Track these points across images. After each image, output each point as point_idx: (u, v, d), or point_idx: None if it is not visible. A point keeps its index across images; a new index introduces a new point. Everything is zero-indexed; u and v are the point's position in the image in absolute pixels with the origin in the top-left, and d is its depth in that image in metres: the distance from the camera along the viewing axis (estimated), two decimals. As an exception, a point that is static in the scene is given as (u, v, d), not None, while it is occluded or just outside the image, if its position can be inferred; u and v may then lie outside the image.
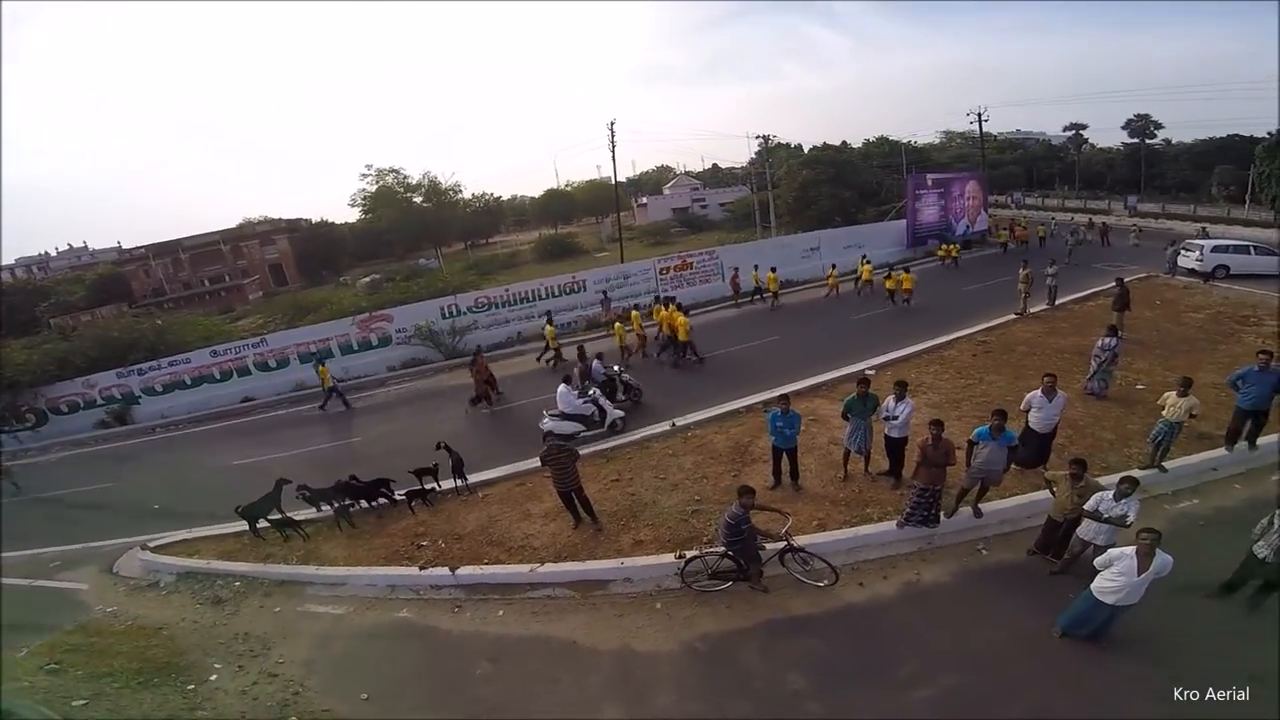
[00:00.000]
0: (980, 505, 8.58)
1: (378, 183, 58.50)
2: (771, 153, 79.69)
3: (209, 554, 10.69)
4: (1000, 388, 12.65)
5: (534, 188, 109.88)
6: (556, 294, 21.78)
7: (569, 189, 79.32)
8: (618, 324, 18.55)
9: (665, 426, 12.67)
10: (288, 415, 17.84)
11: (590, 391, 13.11)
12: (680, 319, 16.81)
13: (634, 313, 18.97)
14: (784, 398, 9.43)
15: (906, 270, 21.22)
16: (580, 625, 7.76)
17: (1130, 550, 5.80)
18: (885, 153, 56.83)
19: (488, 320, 21.08)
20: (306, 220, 66.73)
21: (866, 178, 44.57)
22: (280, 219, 64.93)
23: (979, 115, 43.33)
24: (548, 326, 18.32)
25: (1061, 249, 26.14)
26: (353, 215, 64.50)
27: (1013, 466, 9.24)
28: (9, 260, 70.39)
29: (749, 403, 13.24)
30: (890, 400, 8.97)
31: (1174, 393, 8.72)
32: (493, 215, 70.18)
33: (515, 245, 59.59)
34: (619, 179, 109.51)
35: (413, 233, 57.45)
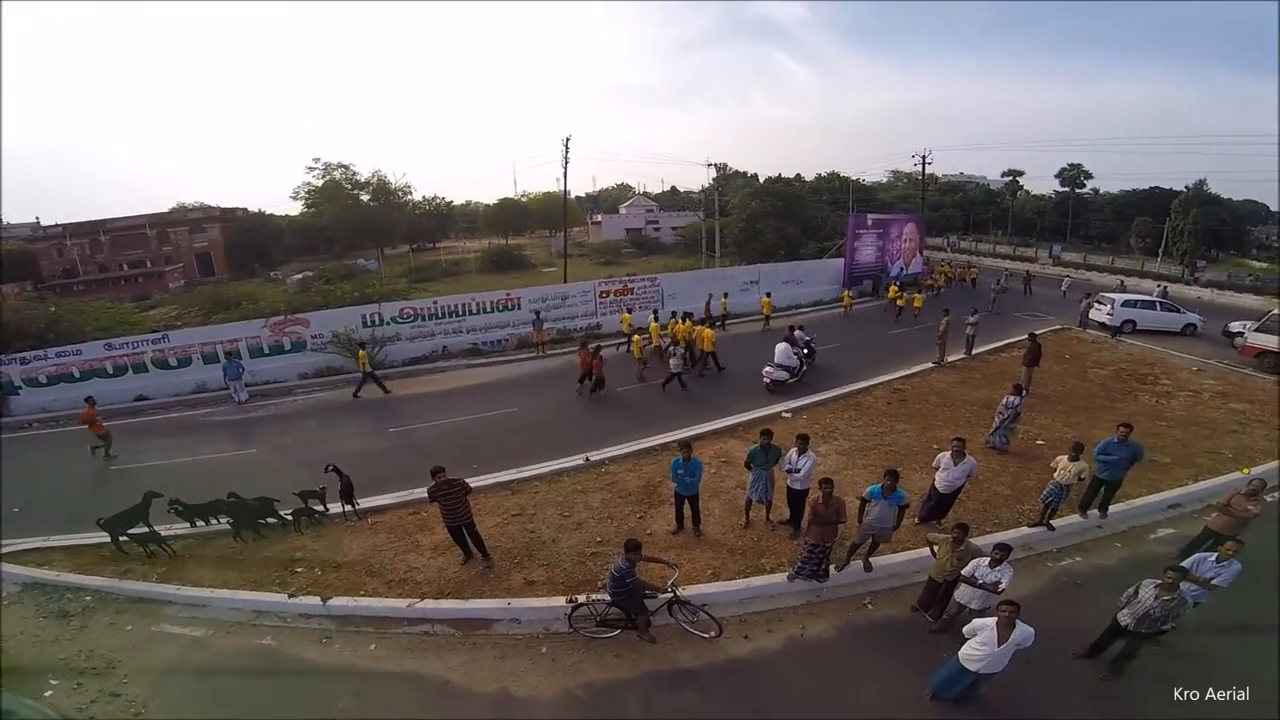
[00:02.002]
0: (871, 560, 8.62)
1: (325, 177, 56.70)
2: (728, 180, 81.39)
3: (62, 565, 9.95)
4: (909, 438, 12.87)
5: (492, 195, 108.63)
6: (488, 310, 21.16)
7: (524, 199, 78.56)
8: (636, 336, 18.61)
9: (578, 461, 12.36)
10: (182, 418, 16.62)
11: (797, 353, 16.70)
12: (707, 331, 17.98)
13: (653, 324, 19.77)
14: (685, 445, 9.32)
15: (919, 291, 25.85)
16: (458, 665, 7.47)
17: (992, 621, 5.83)
18: (834, 188, 58.56)
19: (412, 332, 20.27)
20: (243, 210, 63.91)
21: (813, 213, 45.69)
22: (216, 206, 62.10)
23: (923, 158, 45.10)
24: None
25: (986, 297, 27.15)
26: (294, 208, 62.28)
27: (913, 520, 9.43)
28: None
29: (668, 439, 13.08)
30: (793, 453, 8.95)
31: (1065, 456, 8.96)
32: (442, 219, 68.82)
33: (462, 252, 58.39)
34: (578, 194, 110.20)
35: (355, 231, 55.75)
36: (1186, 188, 55.08)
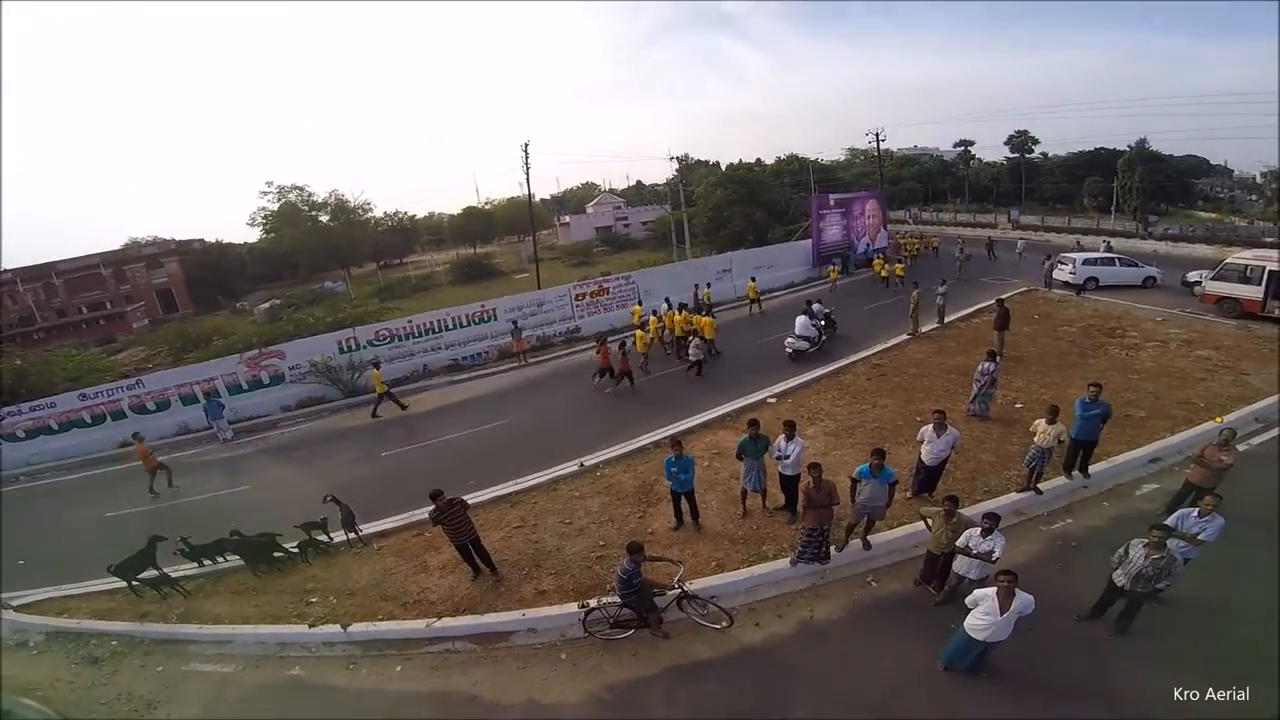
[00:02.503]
0: (869, 537, 8.85)
1: (280, 200, 55.67)
2: (691, 170, 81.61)
3: (80, 613, 10.06)
4: (892, 412, 13.16)
5: (455, 205, 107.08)
6: (464, 324, 20.99)
7: (488, 207, 77.94)
8: (639, 331, 18.76)
9: (573, 467, 12.45)
10: (170, 461, 16.23)
11: (816, 323, 18.13)
12: (706, 320, 18.56)
13: (652, 319, 20.06)
14: (676, 442, 9.46)
15: (899, 262, 28.05)
16: (483, 679, 7.59)
17: (992, 591, 6.05)
18: (795, 171, 59.10)
19: (390, 353, 20.01)
20: (200, 241, 62.44)
21: (776, 197, 46.07)
22: (171, 240, 60.54)
23: (877, 136, 45.76)
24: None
25: (952, 266, 27.71)
26: (253, 235, 61.09)
27: (905, 495, 9.67)
28: None
29: (658, 436, 13.22)
30: (781, 440, 9.12)
31: (1043, 420, 9.24)
32: (406, 234, 68.00)
33: (430, 266, 57.79)
34: (542, 197, 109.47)
35: (318, 254, 54.81)
36: (1129, 147, 56.68)
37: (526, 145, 31.42)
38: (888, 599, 8.13)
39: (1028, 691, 6.51)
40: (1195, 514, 6.84)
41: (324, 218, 57.47)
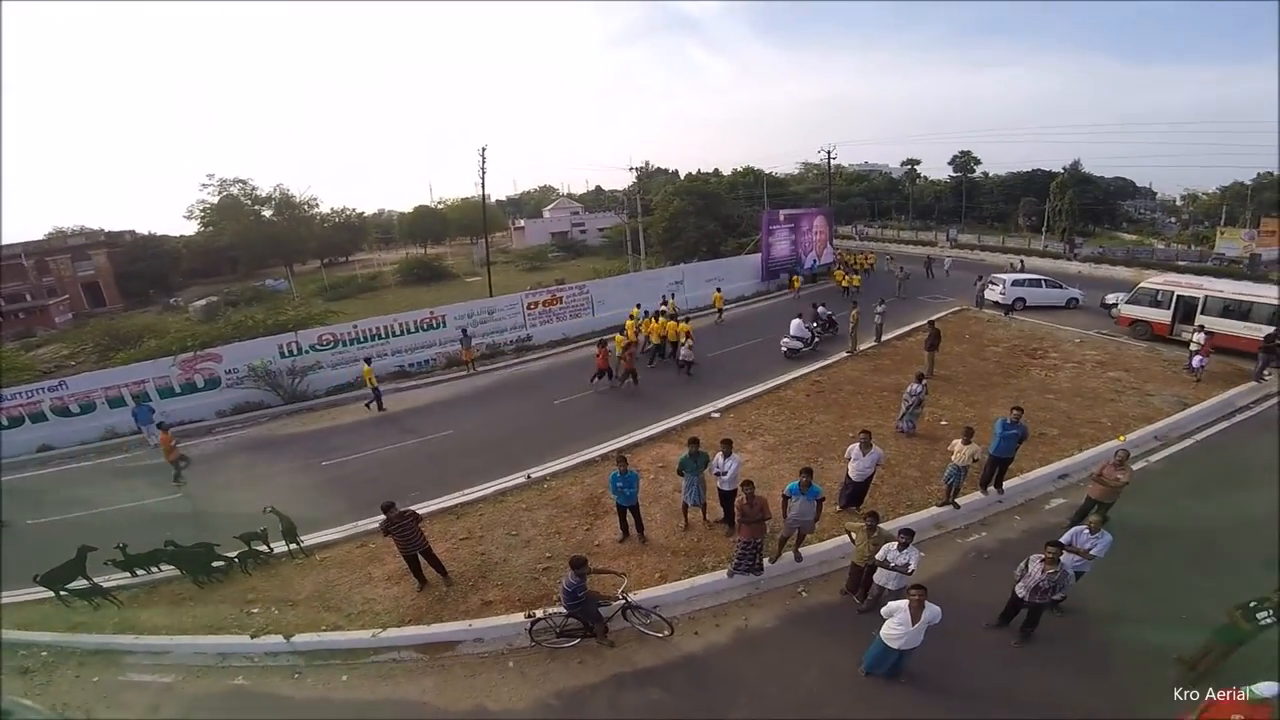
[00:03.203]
0: (800, 550, 9.30)
1: (220, 193, 53.59)
2: (651, 177, 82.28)
3: (5, 623, 9.75)
4: (827, 428, 13.73)
5: (407, 203, 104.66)
6: (412, 330, 20.70)
7: (441, 207, 76.68)
8: (617, 336, 19.08)
9: (521, 479, 12.54)
10: (97, 467, 15.65)
11: (812, 324, 20.03)
12: (684, 326, 19.70)
13: (629, 323, 20.44)
14: (621, 458, 9.77)
15: (857, 273, 29.98)
16: (431, 687, 7.76)
17: (905, 603, 6.52)
18: (750, 183, 60.39)
19: (333, 359, 19.62)
20: (131, 233, 59.43)
21: (730, 209, 46.94)
22: (100, 230, 57.47)
23: (829, 153, 47.21)
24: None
25: (892, 284, 28.89)
26: (190, 228, 58.53)
27: (835, 509, 10.17)
28: None
29: (606, 449, 13.45)
30: (719, 457, 9.55)
31: (959, 440, 9.86)
32: (354, 232, 66.15)
33: (378, 265, 56.42)
34: (498, 198, 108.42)
35: (260, 249, 53.00)
36: (1064, 169, 60.22)
37: (484, 149, 31.29)
38: (817, 608, 8.61)
39: (941, 695, 7.00)
40: (1086, 531, 7.45)
41: (267, 212, 55.63)
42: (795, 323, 19.97)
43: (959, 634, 7.59)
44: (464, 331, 20.64)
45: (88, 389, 17.56)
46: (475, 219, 61.88)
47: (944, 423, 13.60)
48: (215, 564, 10.23)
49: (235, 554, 10.31)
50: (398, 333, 20.49)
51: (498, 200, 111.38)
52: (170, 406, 17.90)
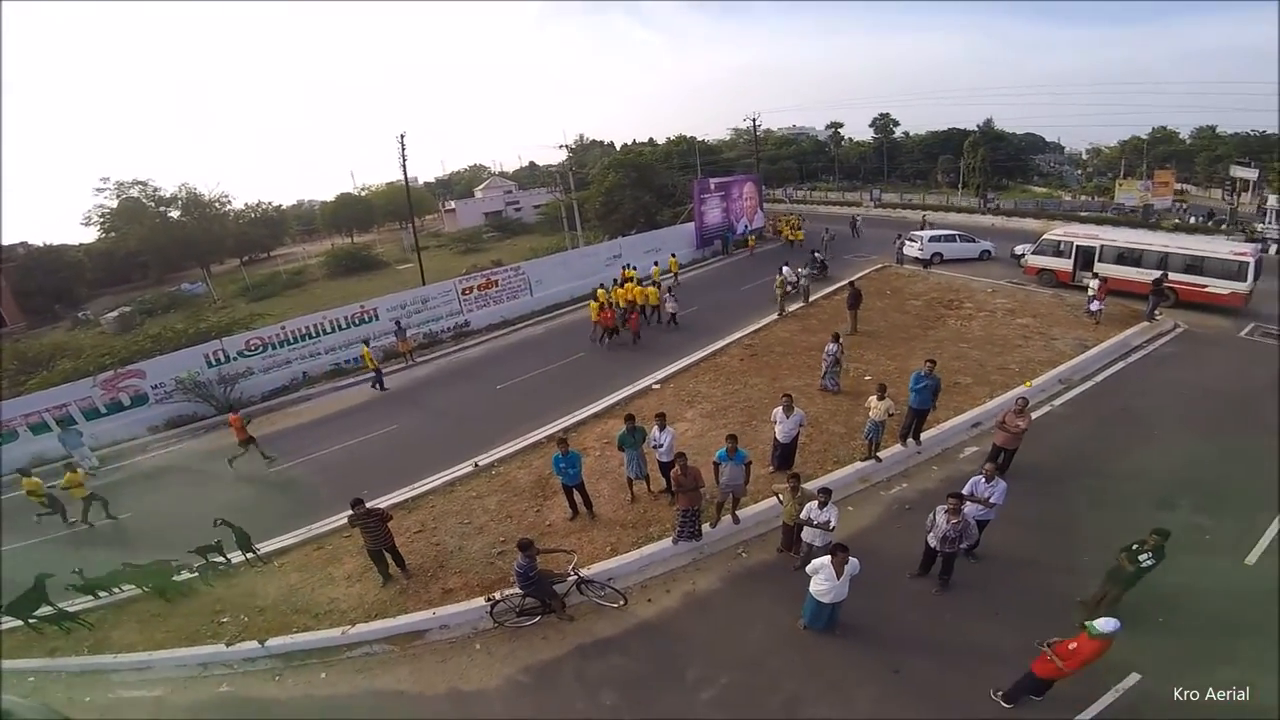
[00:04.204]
0: (737, 513, 9.84)
1: (119, 196, 49.97)
2: (587, 150, 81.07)
3: None
4: (760, 391, 14.31)
5: (329, 192, 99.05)
6: (344, 326, 20.10)
7: (365, 193, 73.64)
8: (592, 303, 19.99)
9: (469, 467, 12.66)
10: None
11: (798, 271, 21.79)
12: (651, 290, 21.03)
13: (600, 291, 20.49)
14: (561, 440, 10.09)
15: (799, 229, 33.13)
16: (406, 675, 8.13)
17: (827, 560, 7.12)
18: (684, 152, 60.44)
19: (264, 363, 18.99)
20: (24, 245, 54.90)
21: (665, 179, 46.84)
22: (-13, 244, 52.74)
23: (754, 121, 47.72)
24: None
25: (819, 245, 29.73)
26: (89, 235, 54.42)
27: (768, 470, 10.72)
28: None
29: (551, 430, 13.66)
30: (655, 430, 9.98)
31: (874, 397, 10.48)
32: (273, 226, 62.92)
33: (302, 259, 53.97)
34: (426, 180, 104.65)
35: (171, 252, 49.81)
36: (977, 127, 62.74)
37: (402, 136, 30.16)
38: (757, 567, 9.23)
39: (872, 645, 7.70)
40: (983, 480, 8.10)
41: (175, 213, 52.28)
42: (785, 269, 21.85)
43: (886, 585, 8.35)
44: (398, 324, 20.23)
45: (6, 419, 16.47)
46: (403, 204, 59.87)
47: (868, 378, 14.33)
48: (176, 579, 10.27)
49: (195, 567, 10.37)
50: (329, 330, 19.88)
51: (426, 183, 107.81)
52: (99, 428, 17.01)
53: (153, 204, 50.89)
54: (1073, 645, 6.00)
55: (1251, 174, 44.50)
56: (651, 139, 76.38)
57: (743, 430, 12.42)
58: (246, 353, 18.84)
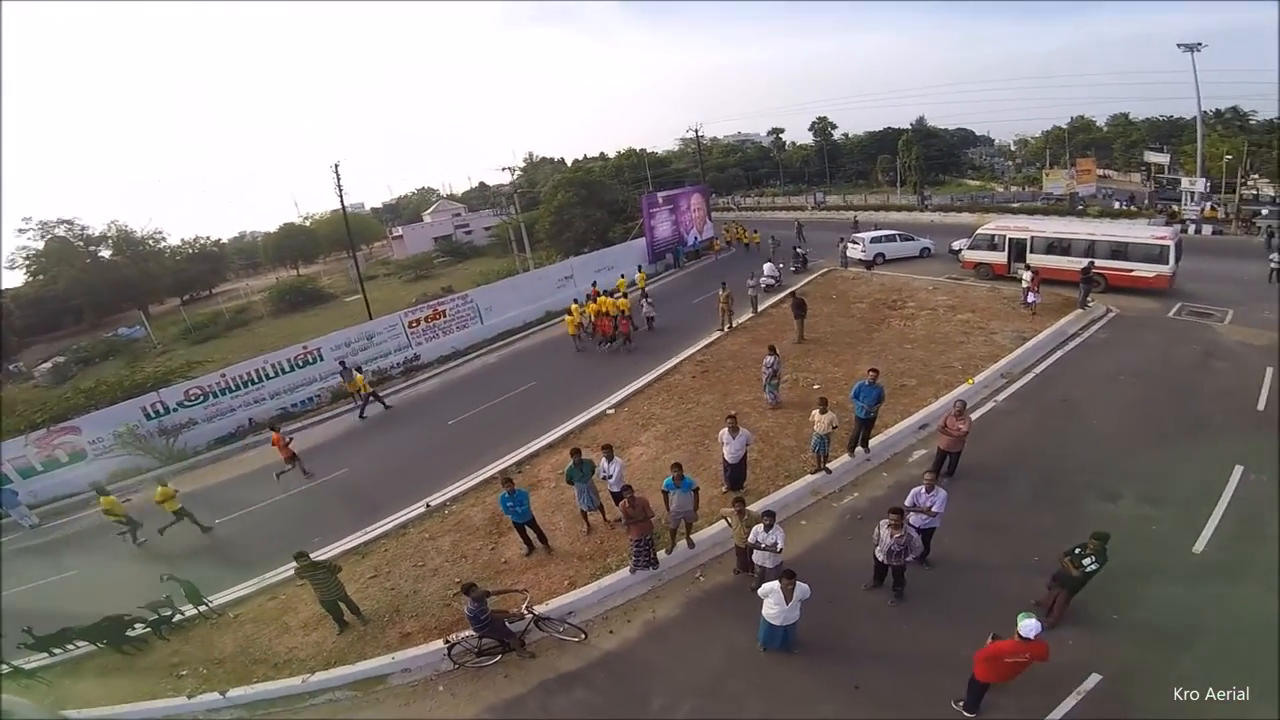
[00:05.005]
0: (691, 537, 9.84)
1: (44, 236, 47.78)
2: (538, 168, 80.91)
3: None
4: (711, 409, 14.34)
5: (272, 225, 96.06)
6: (287, 369, 19.47)
7: (309, 222, 71.97)
8: (567, 317, 21.33)
9: (420, 509, 12.42)
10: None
11: (778, 266, 25.47)
12: (622, 302, 21.78)
13: (574, 306, 21.78)
14: (507, 480, 9.98)
15: (755, 232, 34.87)
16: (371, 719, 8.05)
17: (776, 584, 7.17)
18: (634, 165, 60.86)
19: (207, 412, 18.28)
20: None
21: (615, 194, 46.86)
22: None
23: (697, 132, 48.47)
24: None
25: (768, 253, 30.33)
26: (16, 279, 51.89)
27: (721, 490, 10.77)
28: None
29: (503, 464, 13.50)
30: (603, 462, 9.97)
31: (817, 410, 10.57)
32: (213, 261, 60.95)
33: (246, 295, 52.37)
34: (373, 206, 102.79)
35: (104, 294, 47.78)
36: (911, 125, 65.00)
37: (337, 166, 29.64)
38: (714, 590, 9.24)
39: (832, 661, 7.73)
40: (924, 490, 8.23)
41: (106, 252, 50.25)
42: (767, 266, 24.84)
43: (841, 599, 8.42)
44: (342, 364, 19.64)
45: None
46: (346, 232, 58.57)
47: (816, 386, 14.53)
48: (130, 633, 10.12)
49: (149, 621, 10.22)
50: (271, 374, 19.19)
51: (373, 208, 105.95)
52: (35, 485, 16.26)
53: (81, 243, 48.84)
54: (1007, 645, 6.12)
55: (1163, 158, 47.15)
56: (602, 153, 77.01)
57: (696, 451, 12.51)
58: (187, 403, 18.11)
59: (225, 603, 10.78)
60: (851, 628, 8.15)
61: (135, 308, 49.31)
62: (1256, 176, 43.21)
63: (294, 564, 9.20)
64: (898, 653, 7.73)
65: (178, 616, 10.47)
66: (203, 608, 10.56)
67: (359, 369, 19.38)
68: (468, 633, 8.23)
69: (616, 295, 23.18)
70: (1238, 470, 10.24)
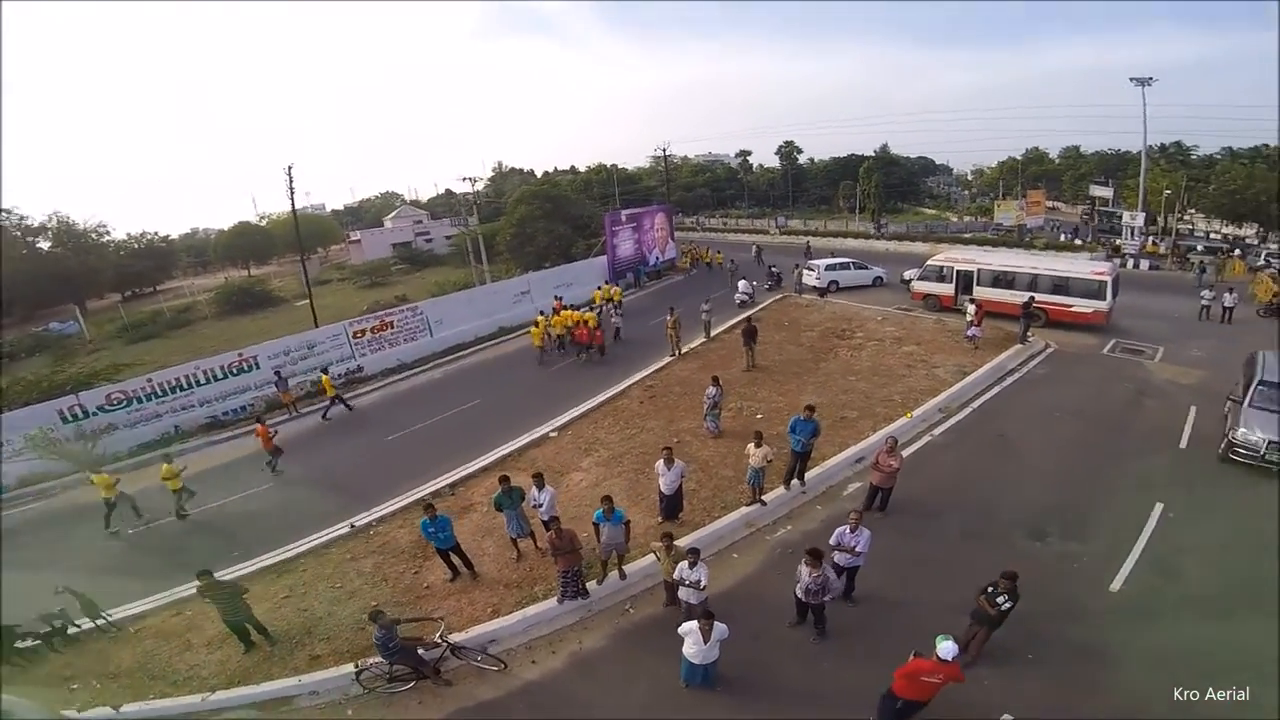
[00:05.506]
0: (624, 568, 9.64)
1: (-25, 227, 45.36)
2: (505, 178, 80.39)
3: None
4: (656, 434, 14.22)
5: (228, 220, 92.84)
6: (220, 376, 18.64)
7: (265, 222, 69.97)
8: (533, 329, 21.54)
9: (344, 528, 11.97)
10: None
11: (752, 284, 26.47)
12: (589, 315, 21.76)
13: (540, 318, 22.04)
14: (428, 505, 9.69)
15: (719, 253, 35.54)
16: None
17: (694, 625, 7.05)
18: (604, 180, 60.98)
19: (130, 418, 17.33)
20: None
21: (581, 210, 46.73)
22: None
23: (664, 151, 48.80)
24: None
25: (726, 276, 30.51)
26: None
27: (657, 521, 10.61)
28: None
29: (437, 485, 13.12)
30: (533, 490, 9.72)
31: (753, 444, 10.52)
32: (160, 257, 58.60)
33: (191, 294, 50.36)
34: (334, 208, 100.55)
35: (41, 287, 45.44)
36: (874, 152, 66.76)
37: (290, 168, 28.74)
38: (644, 622, 9.03)
39: (754, 698, 7.61)
40: (848, 530, 8.20)
41: (45, 244, 47.95)
42: (742, 283, 26.02)
43: (767, 634, 8.34)
44: (278, 374, 18.83)
45: None
46: (307, 233, 56.92)
47: (760, 416, 14.54)
48: (19, 644, 9.68)
49: (40, 634, 9.78)
50: (203, 381, 18.32)
51: (334, 210, 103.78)
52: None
53: (19, 233, 46.49)
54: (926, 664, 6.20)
55: (1107, 192, 49.32)
56: (573, 166, 77.06)
57: (636, 479, 12.34)
58: (108, 407, 17.14)
59: (126, 617, 10.31)
60: (775, 664, 8.05)
61: (73, 302, 47.02)
62: (1193, 211, 45.36)
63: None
64: (819, 691, 7.65)
65: (71, 629, 9.98)
66: (100, 621, 10.09)
67: (325, 370, 19.26)
68: (376, 660, 7.99)
69: (584, 309, 23.72)
70: (1158, 508, 10.55)
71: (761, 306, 24.42)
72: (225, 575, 10.24)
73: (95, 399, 17.13)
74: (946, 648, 6.09)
